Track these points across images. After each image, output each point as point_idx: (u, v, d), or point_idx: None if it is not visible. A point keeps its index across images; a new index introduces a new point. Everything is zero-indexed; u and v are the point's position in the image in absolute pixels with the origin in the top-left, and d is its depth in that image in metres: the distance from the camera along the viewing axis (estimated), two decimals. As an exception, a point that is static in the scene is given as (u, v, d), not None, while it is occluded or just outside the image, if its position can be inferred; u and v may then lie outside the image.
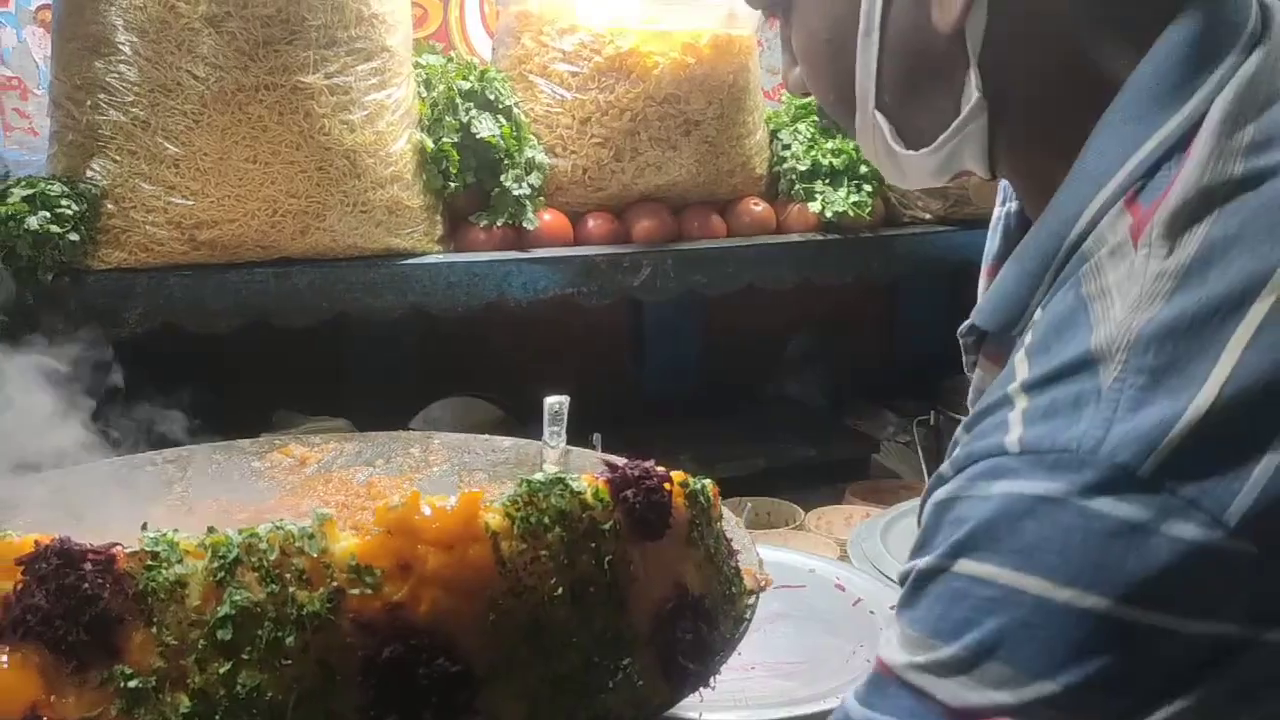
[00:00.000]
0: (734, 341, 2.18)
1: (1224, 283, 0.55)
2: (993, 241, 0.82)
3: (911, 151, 0.72)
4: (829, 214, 1.78)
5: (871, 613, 1.38)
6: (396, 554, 0.66)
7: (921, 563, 0.59)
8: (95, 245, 1.34)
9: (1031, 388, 0.58)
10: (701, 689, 0.81)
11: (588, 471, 0.97)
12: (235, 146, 1.35)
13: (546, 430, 1.36)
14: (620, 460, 0.80)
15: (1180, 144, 0.59)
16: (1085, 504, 0.53)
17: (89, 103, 1.33)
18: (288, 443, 1.35)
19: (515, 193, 1.57)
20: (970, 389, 0.78)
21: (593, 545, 0.73)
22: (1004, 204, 0.83)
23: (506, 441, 1.38)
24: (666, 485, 0.80)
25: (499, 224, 1.58)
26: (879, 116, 0.71)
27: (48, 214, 1.29)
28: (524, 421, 1.99)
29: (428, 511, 0.67)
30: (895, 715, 0.58)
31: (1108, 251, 0.59)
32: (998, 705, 0.55)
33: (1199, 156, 0.58)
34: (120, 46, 1.31)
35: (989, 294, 0.69)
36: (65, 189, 1.32)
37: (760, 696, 1.18)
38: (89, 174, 1.33)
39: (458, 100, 1.55)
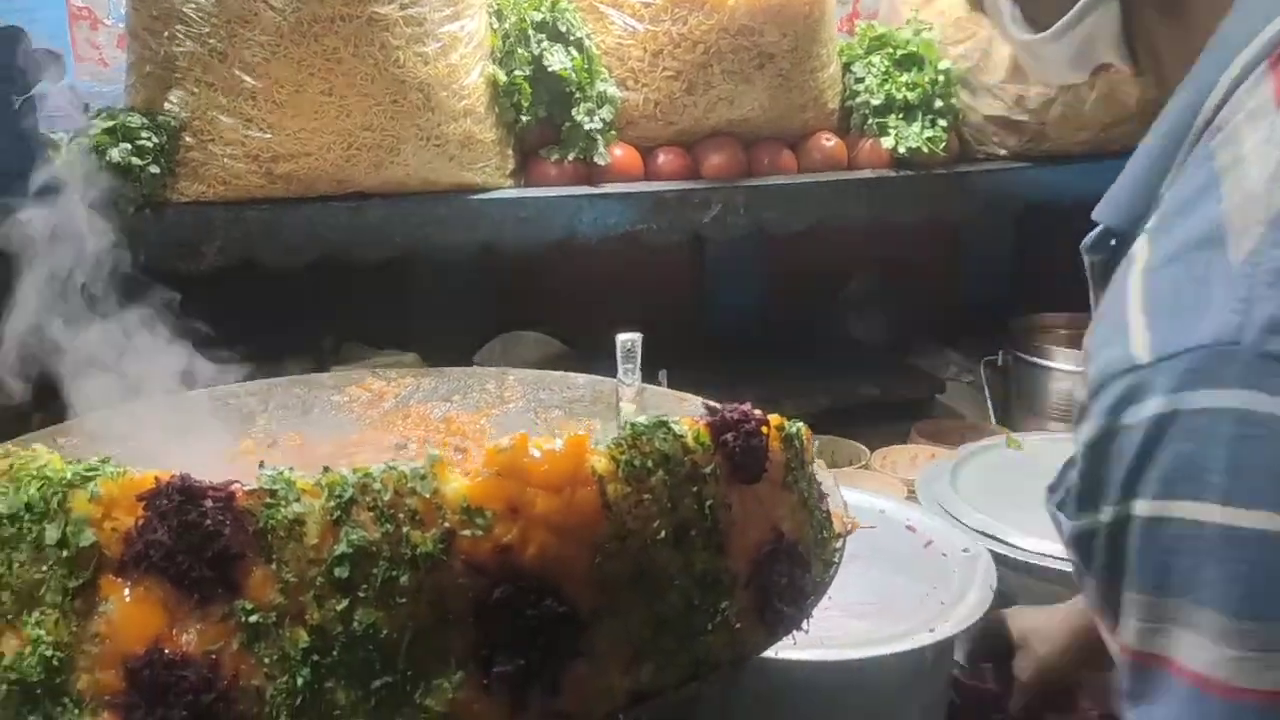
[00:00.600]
0: (797, 279, 2.16)
1: None
2: None
3: (1036, 36, 0.68)
4: (902, 149, 1.75)
5: (944, 555, 1.37)
6: (506, 496, 0.66)
7: (1104, 516, 0.52)
8: (174, 178, 1.35)
9: (1151, 271, 0.52)
10: (795, 632, 0.81)
11: (666, 410, 0.98)
12: (311, 79, 1.35)
13: (620, 367, 1.36)
14: (717, 405, 0.80)
15: None
16: (1248, 410, 0.47)
17: (166, 33, 1.33)
18: (364, 377, 1.36)
19: (587, 127, 1.56)
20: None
21: (694, 489, 0.73)
22: None
23: (581, 379, 1.38)
24: (764, 429, 0.79)
25: (570, 158, 1.57)
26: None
27: (129, 146, 1.29)
28: (587, 358, 1.99)
29: (536, 454, 0.68)
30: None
31: (1245, 116, 0.53)
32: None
33: None
34: (197, -23, 1.30)
35: (1114, 187, 0.63)
36: (145, 120, 1.32)
37: (836, 637, 1.18)
38: (167, 106, 1.34)
39: (530, 32, 1.53)
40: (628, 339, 1.40)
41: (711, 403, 0.82)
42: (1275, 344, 0.46)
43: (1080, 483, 0.54)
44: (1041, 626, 1.19)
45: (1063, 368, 1.91)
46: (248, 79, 1.33)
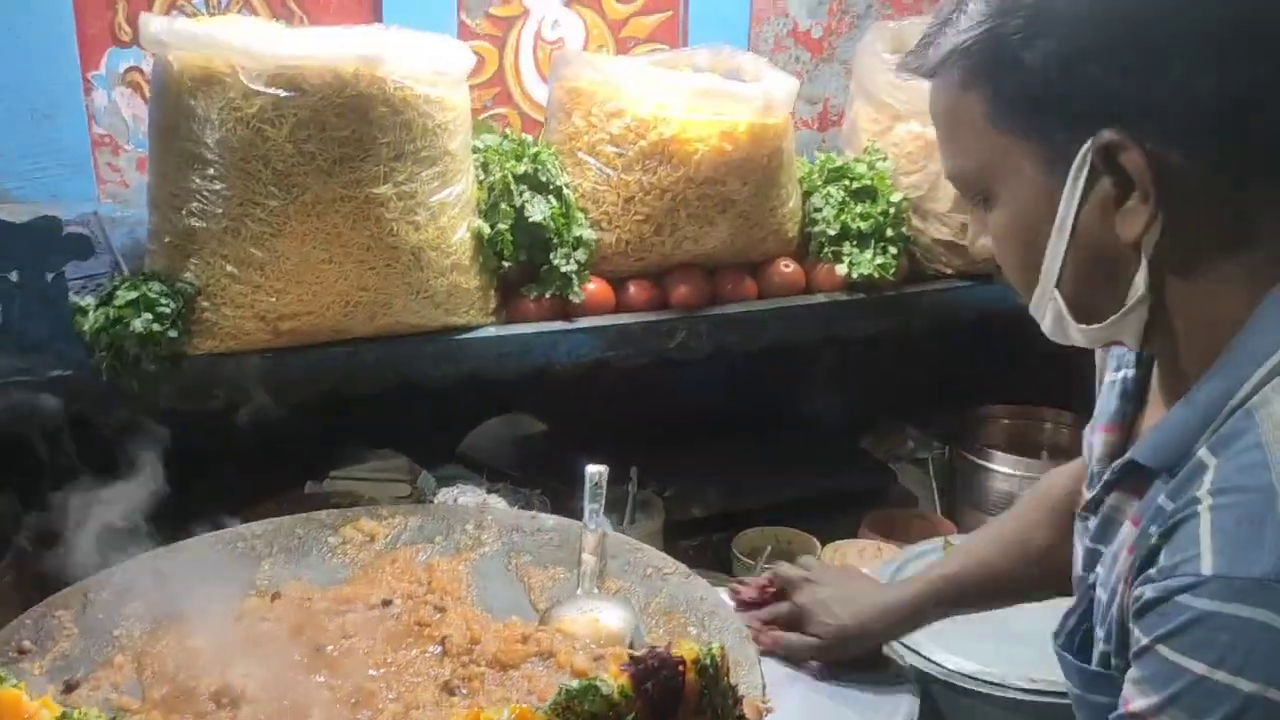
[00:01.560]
0: (762, 364, 2.32)
1: None
2: (1109, 401, 1.03)
3: (1081, 325, 0.90)
4: (856, 275, 1.91)
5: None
6: (466, 767, 0.84)
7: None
8: (190, 335, 1.51)
9: (1217, 509, 0.75)
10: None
11: (620, 559, 1.15)
12: (314, 250, 1.51)
13: (587, 507, 1.53)
14: (641, 650, 0.97)
15: None
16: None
17: (184, 210, 1.48)
18: (359, 516, 1.54)
19: (563, 269, 1.72)
20: (1100, 513, 0.97)
21: (618, 738, 0.90)
22: (1119, 370, 1.03)
23: (550, 520, 1.55)
24: (681, 668, 0.96)
25: (548, 295, 1.73)
26: (1058, 295, 0.89)
27: (150, 315, 1.46)
28: (564, 440, 2.17)
29: (490, 728, 0.85)
30: None
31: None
32: None
33: None
34: (213, 162, 1.46)
35: (1150, 437, 0.88)
36: (164, 288, 1.48)
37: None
38: (185, 274, 1.49)
39: (512, 186, 1.68)
40: (595, 472, 1.57)
41: (634, 651, 0.98)
42: None
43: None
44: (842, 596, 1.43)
45: (1001, 470, 2.09)
46: (257, 252, 1.49)
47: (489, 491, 1.81)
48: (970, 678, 1.50)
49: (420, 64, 1.52)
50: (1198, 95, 0.79)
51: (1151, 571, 0.79)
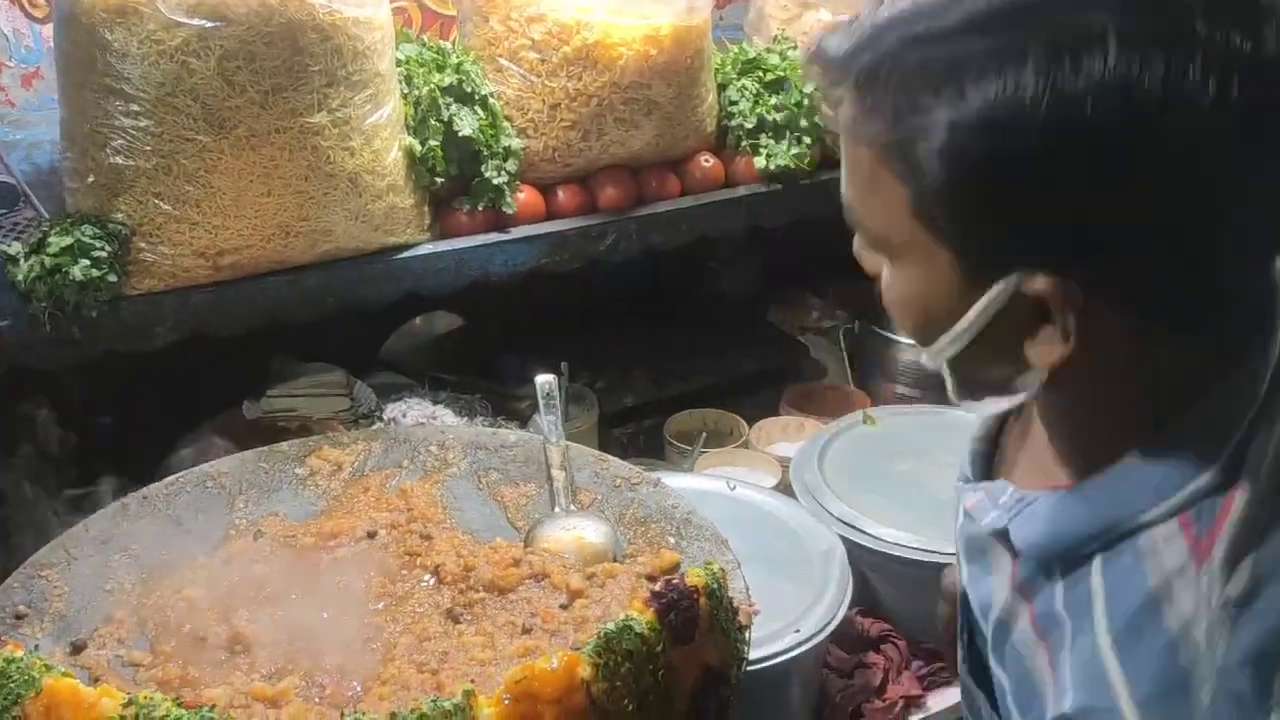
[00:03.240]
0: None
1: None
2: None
3: (963, 398, 0.85)
4: (773, 166, 1.96)
5: (810, 553, 1.66)
6: (523, 714, 0.91)
7: None
8: (128, 276, 1.47)
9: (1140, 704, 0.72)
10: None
11: (588, 470, 1.22)
12: (251, 184, 1.47)
13: (544, 420, 1.59)
14: (658, 583, 1.05)
15: (1222, 487, 0.74)
16: None
17: (108, 148, 1.42)
18: (321, 446, 1.56)
19: (495, 181, 1.72)
20: (962, 536, 0.98)
21: (650, 666, 0.99)
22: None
23: (513, 435, 1.61)
24: (695, 595, 1.05)
25: (480, 208, 1.74)
26: (946, 369, 0.83)
27: (87, 261, 1.41)
28: (489, 337, 2.20)
29: (546, 671, 0.92)
30: None
31: (1174, 569, 0.74)
32: None
33: (1241, 499, 0.74)
34: (136, 98, 1.40)
35: (1030, 523, 0.84)
36: (97, 230, 1.43)
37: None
38: (116, 215, 1.45)
39: (439, 100, 1.66)
40: (545, 382, 1.63)
41: (655, 586, 1.06)
42: None
43: None
44: None
45: (907, 341, 2.21)
46: (191, 189, 1.45)
47: (434, 403, 1.84)
48: (901, 546, 1.65)
49: (345, -17, 1.47)
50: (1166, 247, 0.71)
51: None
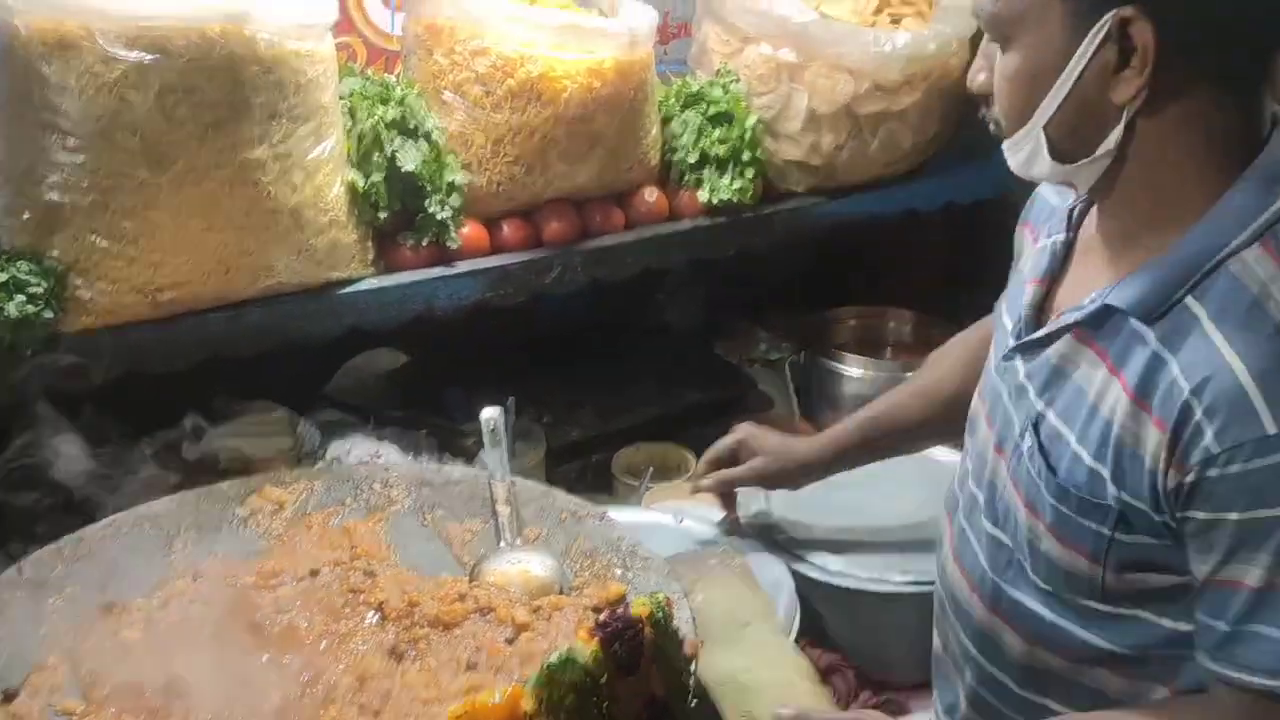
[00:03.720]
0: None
1: None
2: (1041, 261, 1.18)
3: (1054, 163, 1.05)
4: (715, 200, 1.98)
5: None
6: (469, 747, 0.90)
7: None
8: (64, 313, 1.45)
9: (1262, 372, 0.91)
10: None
11: (534, 506, 1.22)
12: (191, 219, 1.46)
13: (489, 455, 1.58)
14: (603, 613, 1.05)
15: None
16: None
17: (44, 184, 1.40)
18: (263, 485, 1.54)
19: (439, 215, 1.72)
20: (1040, 357, 1.12)
21: (594, 698, 0.98)
22: (1050, 236, 1.20)
23: (457, 471, 1.60)
24: (639, 625, 1.05)
25: (425, 243, 1.73)
26: (1043, 133, 1.03)
27: (23, 297, 1.39)
28: (436, 373, 2.19)
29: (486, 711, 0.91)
30: None
31: (1269, 278, 0.95)
32: None
33: None
34: (73, 133, 1.38)
35: (1128, 288, 1.02)
36: (32, 267, 1.41)
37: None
38: (53, 251, 1.42)
39: (383, 135, 1.66)
40: (490, 417, 1.62)
41: (600, 617, 1.05)
42: None
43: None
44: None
45: (851, 371, 2.24)
46: (130, 225, 1.43)
47: (378, 440, 1.82)
48: (847, 576, 1.66)
49: (287, 17, 1.46)
50: (1226, 6, 0.95)
51: (1207, 452, 0.94)
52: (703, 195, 1.98)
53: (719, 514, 1.93)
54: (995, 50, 1.08)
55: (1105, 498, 1.03)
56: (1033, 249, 1.24)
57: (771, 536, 1.78)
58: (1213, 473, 0.93)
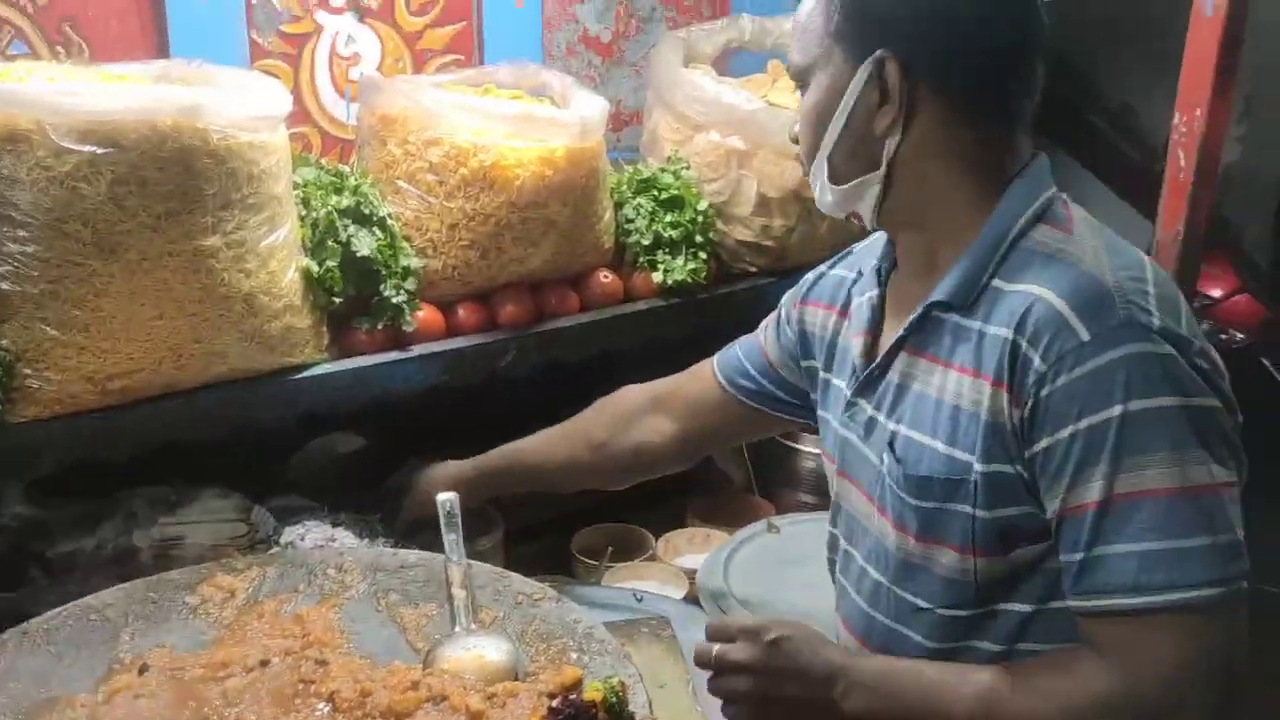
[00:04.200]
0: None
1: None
2: (862, 316, 1.34)
3: (835, 188, 1.23)
4: (670, 282, 2.01)
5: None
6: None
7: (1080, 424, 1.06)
8: (12, 403, 1.44)
9: (1064, 297, 1.07)
10: None
11: (490, 589, 1.21)
12: (142, 308, 1.46)
13: (445, 539, 1.57)
14: (557, 699, 1.04)
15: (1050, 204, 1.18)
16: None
17: (-5, 273, 1.40)
18: (214, 573, 1.52)
19: (394, 300, 1.73)
20: (879, 388, 1.27)
21: (547, 787, 0.97)
22: (864, 294, 1.35)
23: (413, 555, 1.58)
24: (593, 710, 1.04)
25: (380, 326, 1.74)
26: (826, 162, 1.23)
27: (-32, 387, 1.38)
28: (391, 456, 2.18)
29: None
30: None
31: (1059, 240, 1.14)
32: None
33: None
34: (24, 224, 1.38)
35: (943, 287, 1.18)
36: (-21, 358, 1.40)
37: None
38: (2, 341, 1.42)
39: (337, 222, 1.68)
40: (446, 500, 1.61)
41: (553, 703, 1.04)
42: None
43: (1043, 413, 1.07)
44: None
45: (809, 450, 2.25)
46: (80, 314, 1.43)
47: (333, 525, 1.80)
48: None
49: (240, 110, 1.49)
50: (971, 47, 1.14)
51: (1037, 373, 1.07)
52: (657, 277, 2.01)
53: (679, 592, 1.93)
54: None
55: (966, 474, 1.13)
56: (855, 302, 1.38)
57: (729, 614, 1.78)
58: (1044, 391, 1.05)
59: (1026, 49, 1.17)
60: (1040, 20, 1.18)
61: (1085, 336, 1.04)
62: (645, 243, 2.01)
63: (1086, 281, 1.08)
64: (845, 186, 1.23)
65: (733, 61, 2.36)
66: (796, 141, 1.29)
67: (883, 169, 1.19)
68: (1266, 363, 2.58)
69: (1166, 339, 1.03)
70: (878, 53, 1.15)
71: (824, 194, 1.26)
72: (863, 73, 1.16)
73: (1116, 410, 1.01)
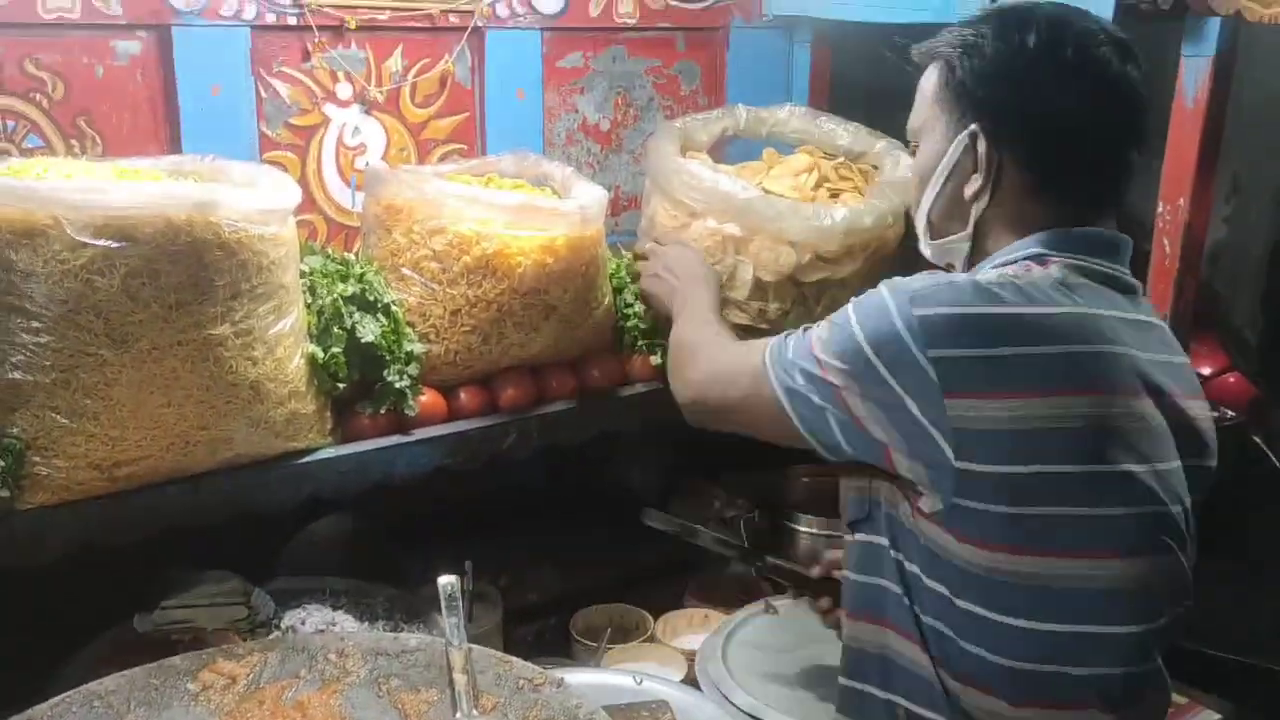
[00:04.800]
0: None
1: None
2: None
3: (931, 242, 1.48)
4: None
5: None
6: None
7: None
8: (20, 490, 1.46)
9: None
10: None
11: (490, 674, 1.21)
12: (151, 395, 1.49)
13: (446, 622, 1.58)
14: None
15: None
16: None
17: (7, 363, 1.43)
18: (214, 658, 1.53)
19: (397, 385, 1.76)
20: None
21: None
22: None
23: (414, 640, 1.59)
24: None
25: (383, 411, 1.77)
26: (925, 218, 1.48)
27: (-21, 478, 1.40)
28: (391, 538, 2.19)
29: None
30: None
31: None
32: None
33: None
34: (38, 315, 1.42)
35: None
36: (-9, 446, 1.43)
37: None
38: (12, 429, 1.44)
39: (342, 309, 1.71)
40: (447, 584, 1.62)
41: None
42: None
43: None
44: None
45: (806, 530, 2.27)
46: (90, 402, 1.46)
47: (334, 608, 1.81)
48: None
49: (251, 204, 1.53)
50: (1054, 132, 1.34)
51: None
52: (655, 359, 2.04)
53: (678, 674, 1.93)
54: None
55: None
56: None
57: (728, 696, 1.79)
58: None
59: (1117, 137, 1.36)
60: (1136, 111, 1.36)
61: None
62: (644, 326, 2.05)
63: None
64: (939, 242, 1.46)
65: (729, 149, 2.42)
66: None
67: (970, 229, 1.41)
68: (1258, 439, 2.61)
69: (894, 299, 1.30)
70: (972, 126, 1.36)
71: (924, 246, 1.49)
72: (959, 142, 1.38)
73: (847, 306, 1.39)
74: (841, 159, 2.27)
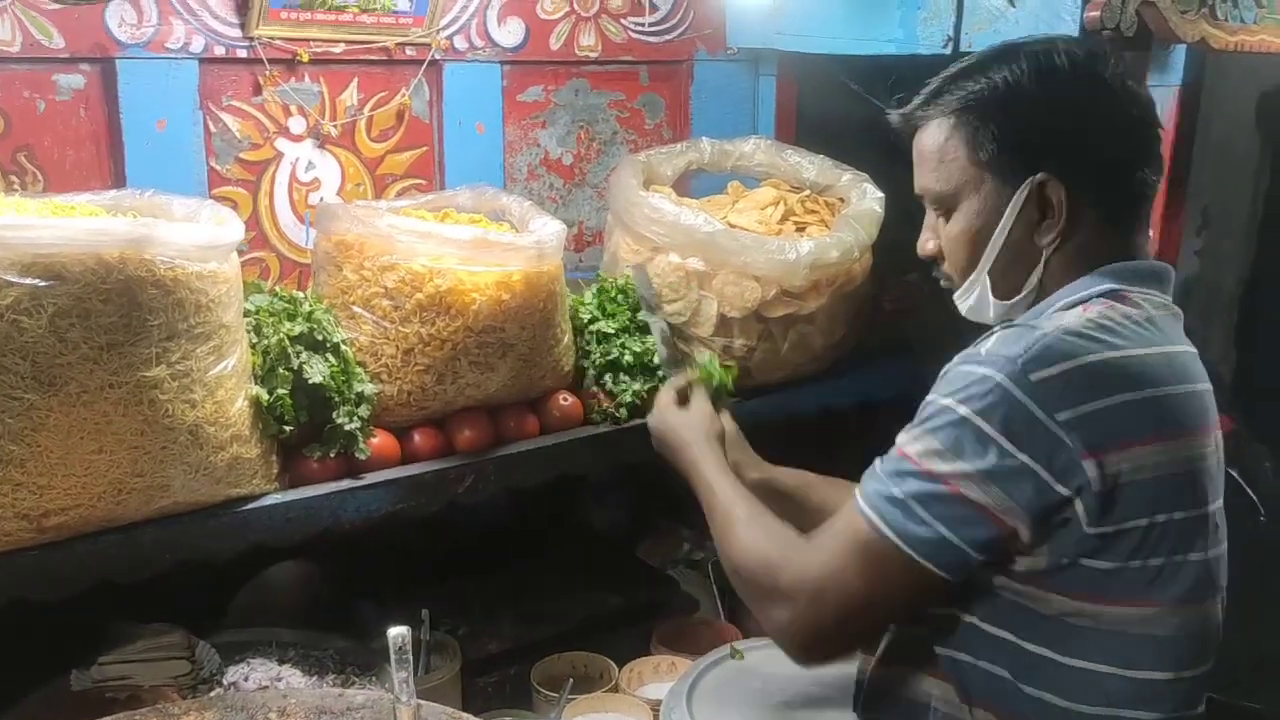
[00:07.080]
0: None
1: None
2: None
3: (997, 300, 1.37)
4: (629, 399, 1.99)
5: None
6: None
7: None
8: (-60, 543, 1.38)
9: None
10: None
11: None
12: (81, 441, 1.42)
13: (395, 676, 1.51)
14: None
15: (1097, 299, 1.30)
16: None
17: (-73, 409, 1.36)
18: (148, 718, 1.45)
19: (346, 427, 1.69)
20: None
21: None
22: None
23: (360, 696, 1.52)
24: None
25: (332, 454, 1.70)
26: (987, 278, 1.37)
27: (-106, 529, 1.32)
28: (344, 587, 2.12)
29: None
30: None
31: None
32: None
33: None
34: (-40, 359, 1.35)
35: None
36: (-92, 496, 1.35)
37: None
38: (-68, 479, 1.37)
39: (289, 349, 1.65)
40: (397, 636, 1.55)
41: None
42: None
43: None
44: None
45: (776, 572, 2.20)
46: (15, 448, 1.38)
47: (281, 662, 1.74)
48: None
49: (188, 239, 1.47)
50: (1113, 162, 1.31)
51: None
52: (621, 397, 1.98)
53: (642, 729, 1.86)
54: (938, 221, 1.40)
55: None
56: None
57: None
58: None
59: (1149, 164, 1.34)
60: (1159, 133, 1.35)
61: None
62: (604, 362, 1.99)
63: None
64: (1010, 301, 1.37)
65: (694, 183, 2.38)
66: (934, 259, 1.43)
67: (1038, 278, 1.34)
68: (1234, 474, 2.57)
69: (1000, 369, 1.20)
70: (1038, 175, 1.29)
71: (983, 306, 1.38)
72: (1020, 194, 1.31)
73: (932, 397, 1.26)
74: (808, 192, 2.24)
